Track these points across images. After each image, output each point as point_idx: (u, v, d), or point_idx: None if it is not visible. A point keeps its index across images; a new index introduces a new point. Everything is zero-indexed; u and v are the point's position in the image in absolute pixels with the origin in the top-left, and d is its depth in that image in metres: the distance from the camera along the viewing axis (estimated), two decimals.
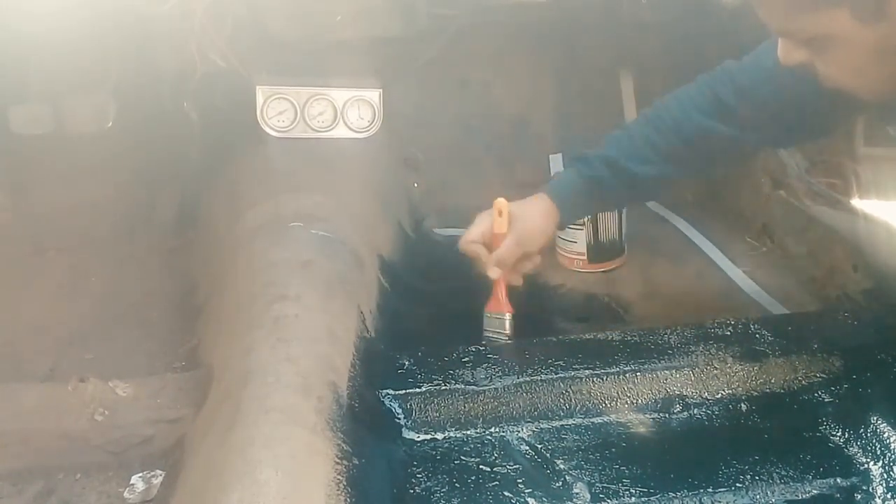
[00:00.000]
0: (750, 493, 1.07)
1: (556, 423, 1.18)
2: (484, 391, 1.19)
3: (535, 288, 1.65)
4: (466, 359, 1.25)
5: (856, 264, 1.56)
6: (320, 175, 1.62)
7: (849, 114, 1.29)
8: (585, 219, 1.70)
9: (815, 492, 1.09)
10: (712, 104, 1.30)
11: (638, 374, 1.23)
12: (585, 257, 1.76)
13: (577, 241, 1.75)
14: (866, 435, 1.15)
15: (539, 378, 1.21)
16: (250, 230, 1.44)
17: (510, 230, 1.37)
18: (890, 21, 0.90)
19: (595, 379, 1.22)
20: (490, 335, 1.39)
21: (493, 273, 1.38)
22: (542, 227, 1.39)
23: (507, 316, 1.38)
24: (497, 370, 1.22)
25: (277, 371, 1.03)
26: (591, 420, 1.19)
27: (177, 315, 1.50)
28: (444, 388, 1.19)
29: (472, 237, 1.40)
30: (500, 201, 1.38)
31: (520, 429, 1.18)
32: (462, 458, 1.12)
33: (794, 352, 1.27)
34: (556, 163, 2.11)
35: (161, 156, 1.90)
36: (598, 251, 1.75)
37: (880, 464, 1.11)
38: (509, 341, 1.37)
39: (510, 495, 1.05)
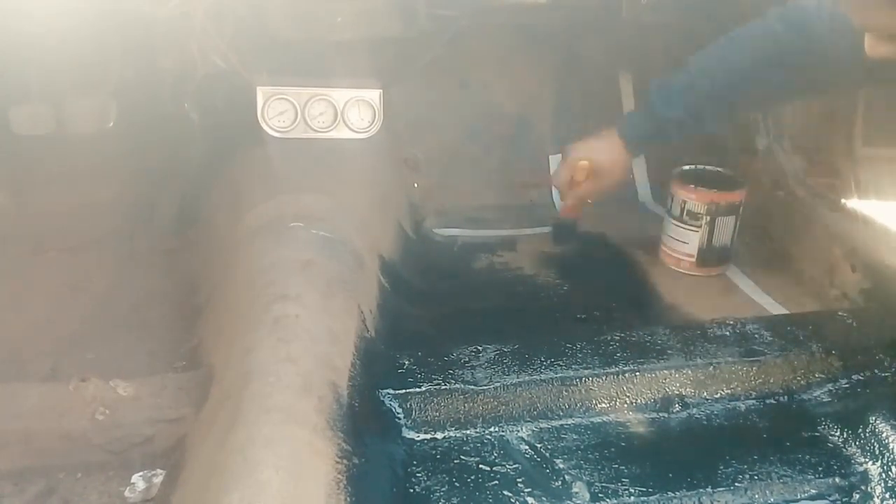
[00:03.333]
0: (749, 492, 1.08)
1: (556, 423, 1.19)
2: (484, 391, 1.19)
3: None
4: (466, 359, 1.25)
5: (854, 264, 1.56)
6: (320, 175, 1.62)
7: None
8: (703, 221, 1.69)
9: (814, 491, 1.09)
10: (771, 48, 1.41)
11: (637, 374, 1.23)
12: (694, 260, 1.73)
13: (688, 242, 1.72)
14: (865, 435, 1.16)
15: (539, 378, 1.21)
16: (251, 230, 1.44)
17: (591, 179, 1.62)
18: None
19: (595, 379, 1.22)
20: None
21: (565, 208, 1.73)
22: (618, 175, 1.63)
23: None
24: (497, 370, 1.23)
25: (278, 371, 1.03)
26: (591, 420, 1.20)
27: (177, 315, 1.50)
28: (444, 387, 1.19)
29: (559, 183, 1.69)
30: (583, 165, 1.61)
31: (519, 428, 1.18)
32: (462, 457, 1.12)
33: (793, 352, 1.28)
34: (556, 163, 2.11)
35: (162, 156, 1.90)
36: (709, 255, 1.72)
37: (878, 464, 1.12)
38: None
39: (510, 494, 1.06)
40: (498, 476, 1.09)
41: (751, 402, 1.24)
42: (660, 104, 1.52)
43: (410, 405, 1.17)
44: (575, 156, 1.63)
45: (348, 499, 0.91)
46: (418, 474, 1.09)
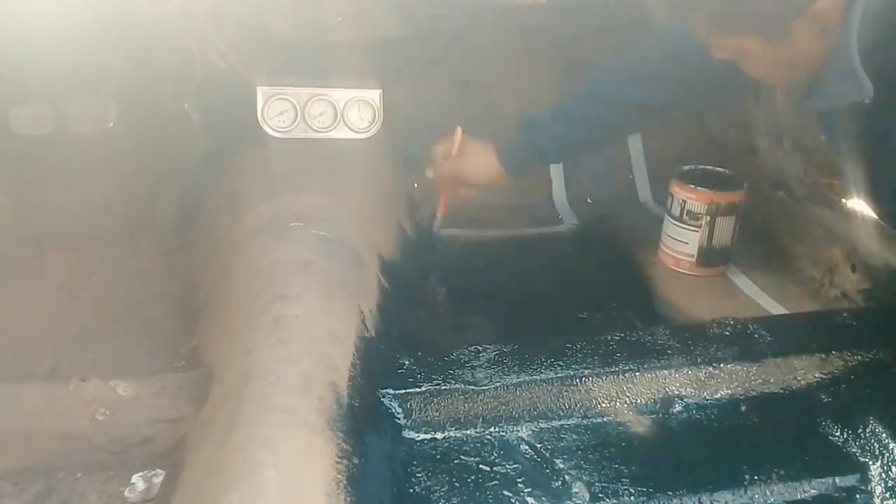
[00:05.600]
0: (749, 492, 1.08)
1: (556, 423, 1.19)
2: (484, 391, 1.19)
3: None
4: (466, 359, 1.25)
5: (854, 264, 1.56)
6: (321, 175, 1.62)
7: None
8: (703, 221, 1.69)
9: (814, 491, 1.09)
10: (647, 74, 1.50)
11: (638, 374, 1.23)
12: (694, 260, 1.72)
13: (688, 242, 1.72)
14: (865, 435, 1.16)
15: (539, 378, 1.21)
16: (251, 230, 1.44)
17: (460, 156, 1.68)
18: (791, 44, 1.14)
19: (595, 379, 1.22)
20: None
21: (428, 172, 1.75)
22: (484, 171, 1.68)
23: (440, 214, 1.76)
24: (497, 370, 1.23)
25: (278, 371, 1.03)
26: (591, 420, 1.20)
27: (177, 315, 1.50)
28: (444, 387, 1.19)
29: (438, 150, 1.71)
30: (458, 132, 1.68)
31: (519, 428, 1.18)
32: (462, 457, 1.13)
33: (793, 352, 1.28)
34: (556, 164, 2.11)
35: (162, 156, 1.90)
36: (709, 255, 1.72)
37: (879, 463, 1.12)
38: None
39: (510, 495, 1.06)
40: (498, 476, 1.09)
41: (751, 402, 1.24)
42: (533, 137, 1.62)
43: (410, 405, 1.17)
44: (459, 139, 1.68)
45: (348, 499, 0.91)
46: (418, 474, 1.09)
